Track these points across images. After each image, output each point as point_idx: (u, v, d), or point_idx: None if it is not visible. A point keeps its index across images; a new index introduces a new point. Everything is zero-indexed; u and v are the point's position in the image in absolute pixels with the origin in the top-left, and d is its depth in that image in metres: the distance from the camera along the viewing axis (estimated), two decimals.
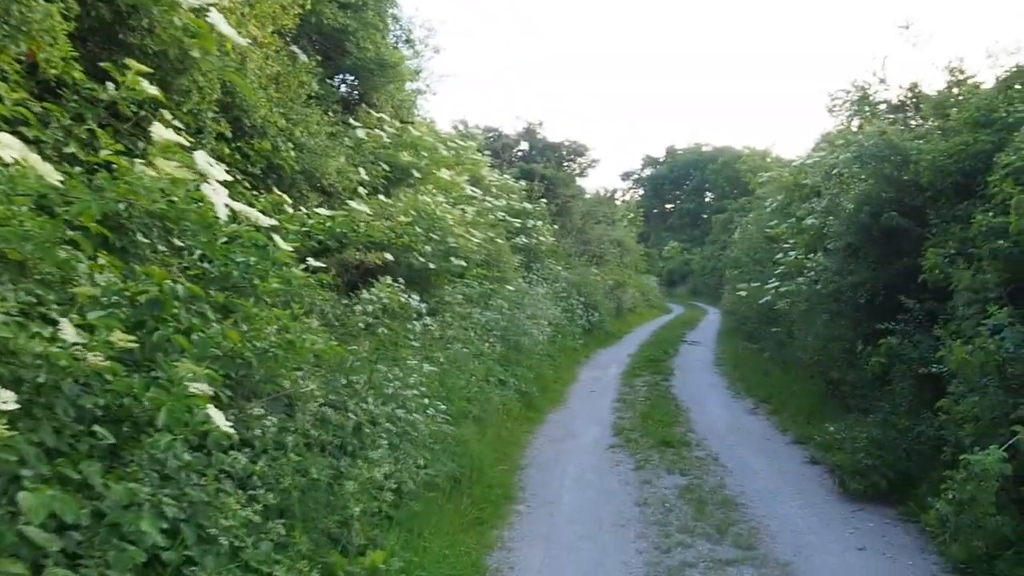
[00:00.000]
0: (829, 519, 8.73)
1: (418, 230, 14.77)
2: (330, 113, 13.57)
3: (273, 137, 10.41)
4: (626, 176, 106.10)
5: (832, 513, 8.94)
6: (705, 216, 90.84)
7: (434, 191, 16.90)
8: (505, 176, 27.83)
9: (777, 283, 18.72)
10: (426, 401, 8.57)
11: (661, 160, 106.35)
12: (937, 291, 10.47)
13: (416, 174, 15.82)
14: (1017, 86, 11.67)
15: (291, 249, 6.97)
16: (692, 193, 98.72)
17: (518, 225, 25.18)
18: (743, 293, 20.04)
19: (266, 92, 10.25)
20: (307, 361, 6.80)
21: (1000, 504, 6.09)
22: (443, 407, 9.08)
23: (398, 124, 15.53)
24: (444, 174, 17.73)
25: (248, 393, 6.55)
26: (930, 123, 15.04)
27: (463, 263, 16.11)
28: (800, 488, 9.94)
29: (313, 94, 12.32)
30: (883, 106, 19.45)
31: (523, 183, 28.09)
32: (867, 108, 19.25)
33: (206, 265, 6.71)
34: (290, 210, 9.22)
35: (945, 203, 11.20)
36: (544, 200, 28.65)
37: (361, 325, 8.91)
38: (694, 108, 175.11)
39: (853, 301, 12.70)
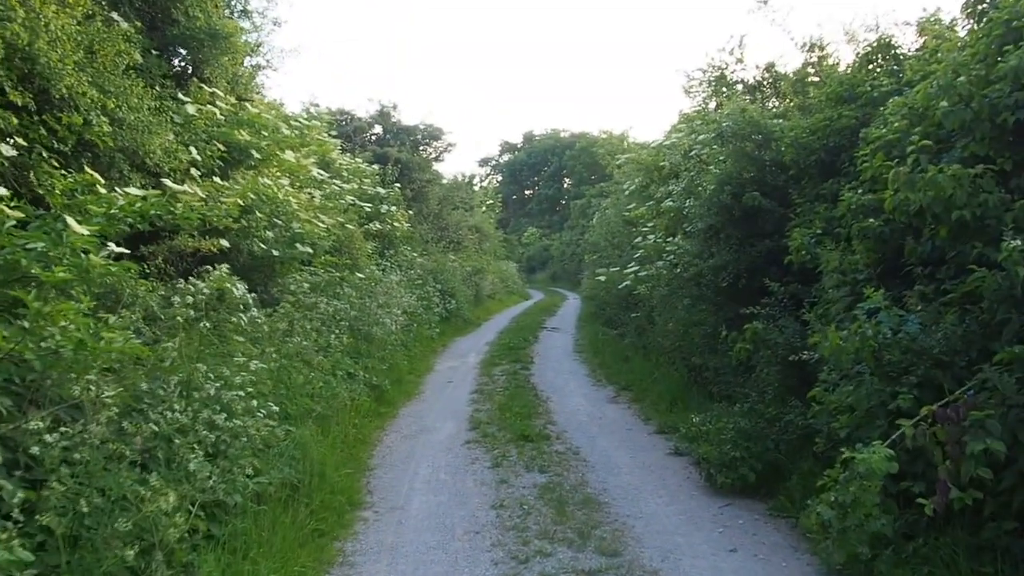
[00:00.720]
0: (697, 517, 8.18)
1: (259, 215, 13.77)
2: (157, 87, 12.38)
3: (85, 110, 9.28)
4: (484, 162, 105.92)
5: (699, 510, 8.39)
6: (564, 202, 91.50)
7: (277, 174, 15.87)
8: (357, 160, 26.77)
9: (636, 267, 18.35)
10: (254, 403, 7.62)
11: (519, 146, 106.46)
12: (802, 273, 10.10)
13: (256, 155, 14.71)
14: (880, 60, 11.41)
15: (87, 233, 5.95)
16: (550, 179, 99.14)
17: (370, 210, 24.23)
18: (602, 278, 19.62)
19: (74, 59, 9.08)
20: (106, 363, 5.82)
21: (881, 503, 5.59)
22: (275, 408, 8.12)
23: (233, 100, 14.39)
24: (289, 156, 16.67)
25: (39, 402, 5.57)
26: (788, 102, 14.80)
27: (309, 250, 15.18)
28: (665, 482, 9.39)
29: (134, 65, 11.13)
30: (740, 86, 19.27)
31: (376, 167, 27.07)
32: (724, 88, 19.01)
33: None
34: (103, 191, 8.13)
35: (808, 182, 10.85)
36: (398, 185, 27.68)
37: (179, 319, 7.88)
38: (552, 94, 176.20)
39: (714, 285, 12.30)
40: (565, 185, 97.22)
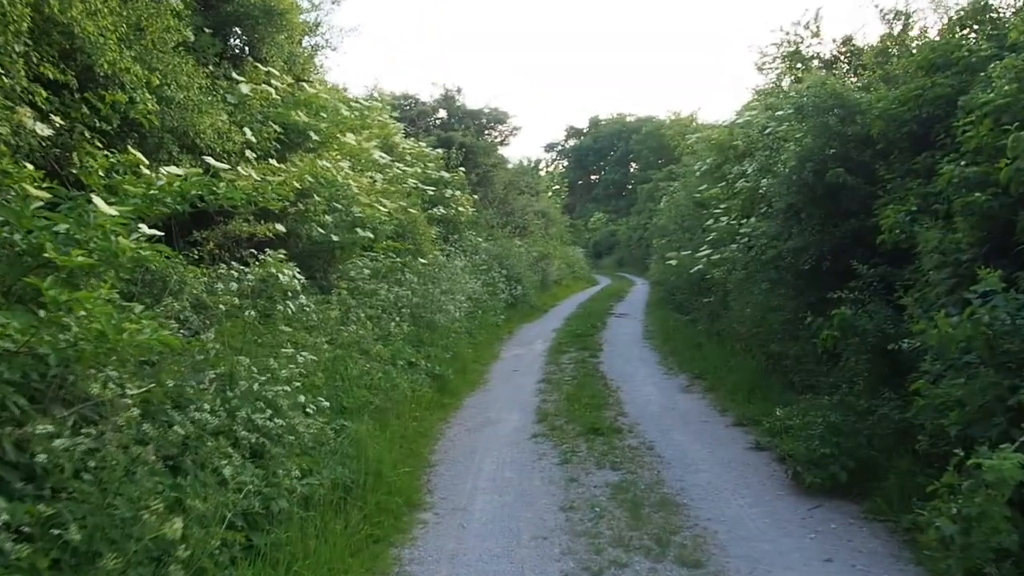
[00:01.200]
0: (784, 520, 7.50)
1: (317, 198, 13.36)
2: (210, 67, 11.99)
3: (130, 88, 8.86)
4: (550, 147, 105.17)
5: (787, 512, 7.71)
6: (630, 186, 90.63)
7: (337, 157, 15.44)
8: (420, 144, 26.32)
9: (709, 251, 17.61)
10: (302, 398, 7.10)
11: (584, 131, 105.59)
12: (892, 255, 9.36)
13: (315, 137, 14.29)
14: (975, 24, 10.56)
15: (116, 213, 5.47)
16: (616, 164, 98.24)
17: (434, 194, 23.78)
18: (673, 262, 18.91)
19: (116, 34, 8.66)
20: (136, 355, 5.34)
21: (1011, 516, 4.88)
22: (326, 403, 7.61)
23: (290, 81, 13.95)
24: (349, 138, 16.25)
25: (66, 400, 5.12)
26: (871, 74, 13.93)
27: (371, 235, 14.75)
28: (747, 481, 8.71)
29: (185, 43, 10.72)
30: (815, 61, 18.40)
31: (440, 151, 26.60)
32: (800, 63, 18.17)
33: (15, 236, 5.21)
34: (147, 172, 7.68)
35: (898, 156, 10.06)
36: (463, 169, 27.19)
37: (222, 307, 7.40)
38: (617, 79, 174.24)
39: (795, 268, 11.56)
40: (631, 170, 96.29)
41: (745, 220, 16.90)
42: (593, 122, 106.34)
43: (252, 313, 7.90)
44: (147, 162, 7.62)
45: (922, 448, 6.65)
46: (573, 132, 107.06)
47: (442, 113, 36.32)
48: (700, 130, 30.87)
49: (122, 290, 6.29)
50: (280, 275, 8.63)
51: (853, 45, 17.08)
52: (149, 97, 8.92)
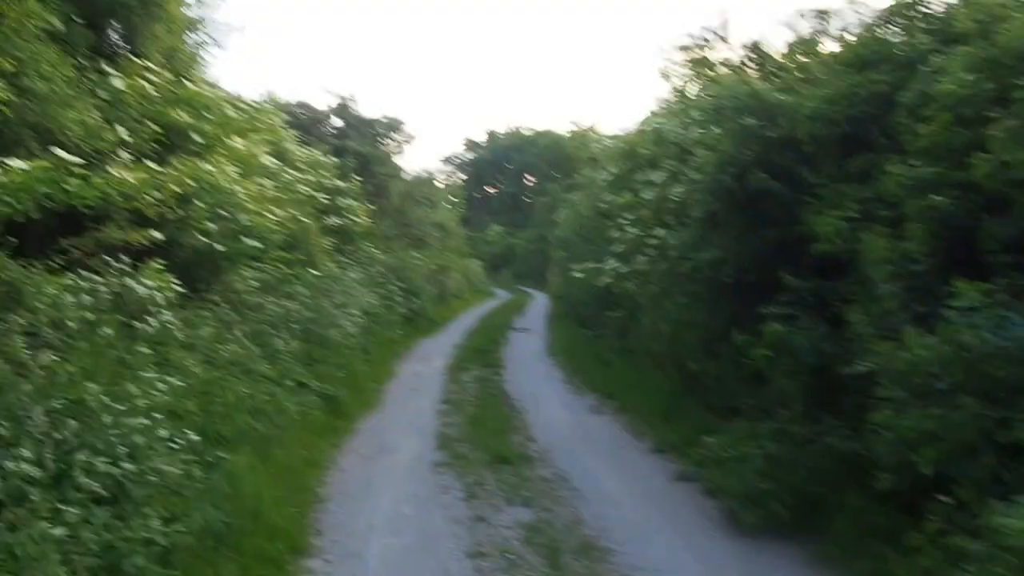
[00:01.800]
0: (724, 567, 6.69)
1: (199, 204, 12.18)
2: (80, 60, 10.70)
3: None
4: (447, 160, 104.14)
5: (724, 557, 6.90)
6: (527, 199, 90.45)
7: (224, 161, 14.23)
8: (315, 151, 25.10)
9: (616, 263, 16.84)
10: (163, 431, 5.94)
11: (482, 144, 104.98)
12: (823, 266, 8.67)
13: (198, 139, 13.10)
14: (901, 20, 9.96)
15: None
16: (514, 177, 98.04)
17: (328, 203, 22.62)
18: (579, 274, 18.10)
19: None
20: None
21: None
22: (194, 436, 6.47)
23: (170, 77, 12.72)
24: (237, 143, 15.04)
25: None
26: (785, 76, 13.30)
27: (258, 245, 13.58)
28: (675, 518, 7.89)
29: (52, 32, 9.47)
30: (723, 67, 17.83)
31: (334, 159, 25.41)
32: (707, 69, 17.56)
33: None
34: None
35: (828, 159, 9.36)
36: (358, 178, 26.03)
37: (71, 324, 6.20)
38: (515, 90, 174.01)
39: (713, 280, 10.82)
40: (528, 183, 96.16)
41: (653, 230, 16.24)
42: (491, 135, 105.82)
43: (108, 331, 6.64)
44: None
45: (883, 487, 5.83)
46: (471, 145, 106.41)
47: (337, 122, 34.97)
48: (602, 140, 30.40)
49: None
50: (137, 286, 7.39)
51: (760, 50, 16.53)
52: (2, 85, 7.68)
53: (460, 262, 44.02)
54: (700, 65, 18.48)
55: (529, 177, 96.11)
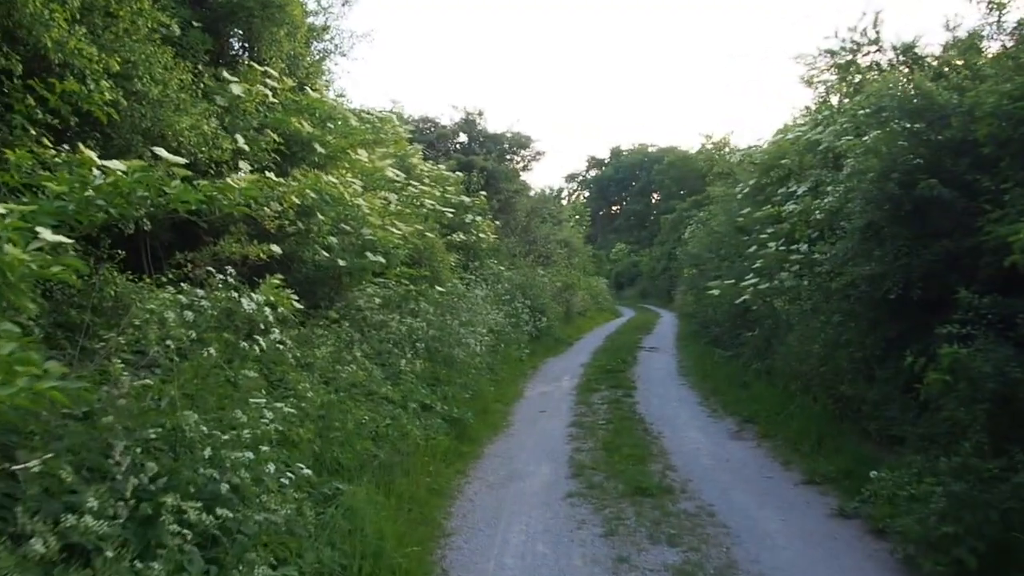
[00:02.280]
0: None
1: (321, 217, 11.86)
2: (198, 66, 10.45)
3: (89, 78, 7.33)
4: (571, 178, 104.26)
5: None
6: (652, 217, 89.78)
7: (347, 174, 13.95)
8: (440, 166, 24.82)
9: (755, 279, 15.93)
10: (271, 467, 5.37)
11: (606, 161, 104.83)
12: (1002, 281, 7.73)
13: (320, 150, 12.79)
14: None
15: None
16: (638, 194, 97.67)
17: (453, 218, 22.26)
18: (715, 292, 17.20)
19: (71, 10, 7.14)
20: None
21: None
22: (306, 470, 5.91)
23: (291, 84, 12.42)
24: (361, 155, 14.73)
25: None
26: (958, 73, 12.26)
27: (382, 260, 13.17)
28: (841, 563, 6.96)
29: (164, 30, 9.20)
30: (873, 72, 16.78)
31: (460, 174, 25.08)
32: (856, 74, 16.56)
33: None
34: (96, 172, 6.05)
35: (1012, 162, 8.37)
36: (484, 193, 25.65)
37: (171, 344, 5.71)
38: (640, 107, 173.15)
39: (873, 297, 9.88)
40: (653, 200, 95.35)
41: (796, 245, 15.32)
42: (615, 152, 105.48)
43: (211, 351, 6.14)
44: (98, 161, 6.03)
45: None
46: (594, 162, 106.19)
47: (463, 137, 34.79)
48: (735, 153, 29.35)
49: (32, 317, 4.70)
50: (244, 302, 6.88)
51: (914, 53, 15.47)
52: (107, 85, 7.36)
53: (585, 280, 43.33)
54: (847, 70, 17.50)
55: (654, 195, 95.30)
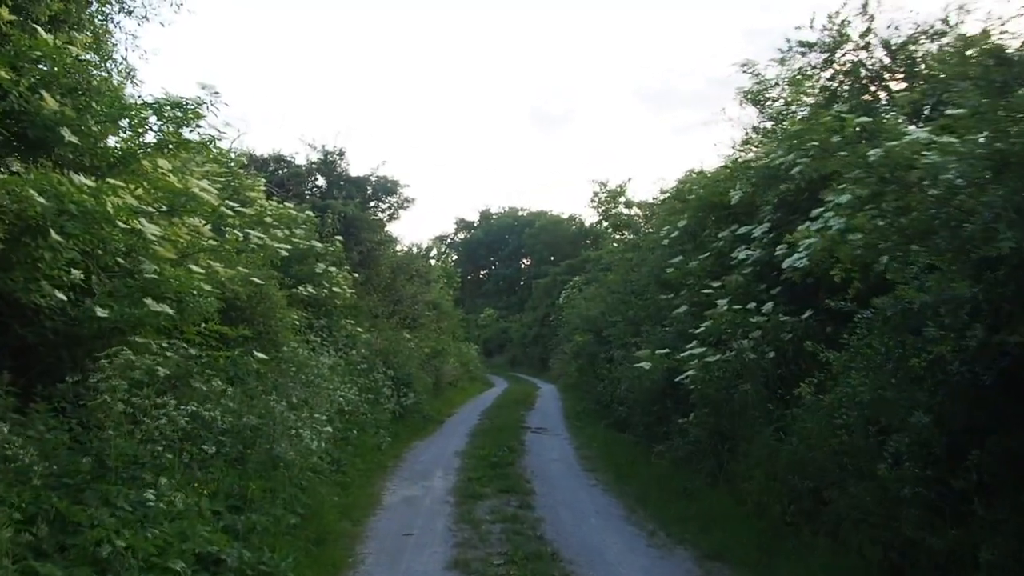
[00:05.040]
0: None
1: (56, 237, 7.18)
2: None
3: None
4: (440, 240, 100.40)
5: None
6: (522, 282, 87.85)
7: (137, 188, 9.40)
8: (286, 204, 20.14)
9: (701, 349, 11.82)
10: None
11: (475, 224, 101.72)
12: None
13: (70, 138, 8.15)
14: None
15: None
16: (508, 258, 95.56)
17: (300, 269, 17.65)
18: (645, 365, 12.88)
19: None
20: None
21: None
22: None
23: (8, 17, 7.70)
24: (163, 165, 10.13)
25: None
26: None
27: (168, 311, 8.57)
28: None
29: None
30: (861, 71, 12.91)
31: (311, 213, 20.44)
32: (842, 76, 12.70)
33: None
34: None
35: None
36: (340, 238, 21.04)
37: None
38: (509, 169, 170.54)
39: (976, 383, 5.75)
40: (523, 264, 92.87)
41: (750, 305, 11.38)
42: (484, 215, 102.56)
43: None
44: None
45: None
46: (463, 225, 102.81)
47: (320, 181, 30.07)
48: (631, 203, 25.61)
49: None
50: None
51: (908, 51, 11.74)
52: None
53: (456, 346, 38.91)
54: (798, 82, 13.71)
55: (524, 259, 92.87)
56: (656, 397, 14.71)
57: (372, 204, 31.12)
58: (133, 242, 8.90)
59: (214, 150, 11.56)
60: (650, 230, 19.76)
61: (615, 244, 27.40)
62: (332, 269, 19.52)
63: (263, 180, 18.86)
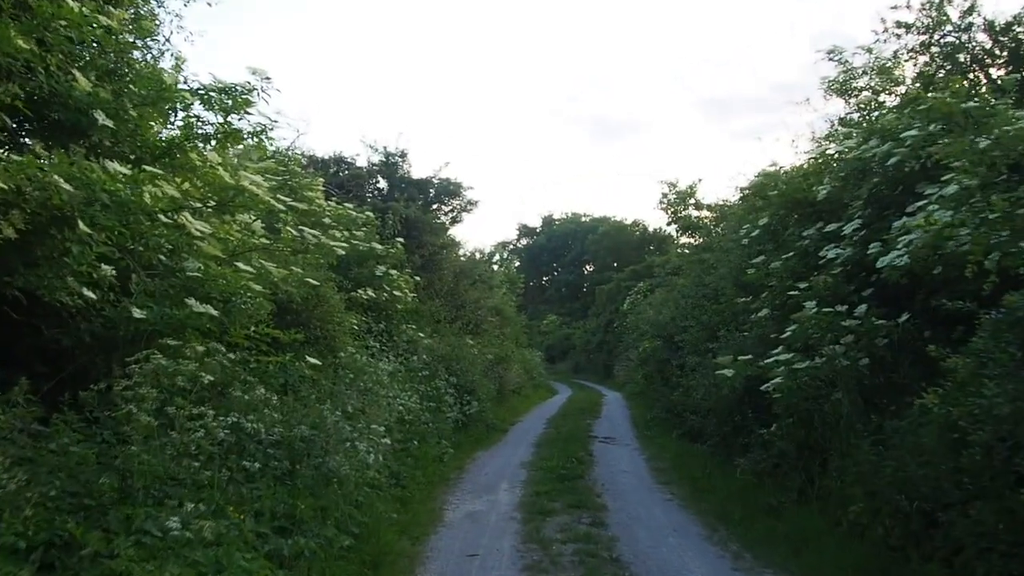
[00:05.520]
0: None
1: (82, 229, 6.53)
2: None
3: None
4: (502, 246, 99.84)
5: None
6: (585, 288, 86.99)
7: (180, 180, 8.80)
8: (346, 205, 19.54)
9: (788, 356, 10.90)
10: None
11: (538, 230, 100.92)
12: None
13: (105, 121, 7.50)
14: None
15: None
16: (571, 264, 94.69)
17: (360, 272, 17.02)
18: (727, 372, 11.91)
19: None
20: None
21: None
22: None
23: None
24: (212, 158, 9.54)
25: None
26: None
27: (212, 312, 7.92)
28: None
29: None
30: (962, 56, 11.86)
31: (371, 214, 19.80)
32: (937, 61, 11.68)
33: None
34: None
35: None
36: (401, 241, 20.35)
37: None
38: (572, 176, 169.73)
39: None
40: (586, 271, 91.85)
41: (840, 307, 10.47)
42: (546, 221, 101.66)
43: None
44: None
45: None
46: (526, 231, 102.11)
47: (382, 183, 29.48)
48: (701, 205, 24.59)
49: None
50: None
51: (1014, 33, 10.70)
52: None
53: (520, 352, 38.08)
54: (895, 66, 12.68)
55: (587, 265, 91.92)
56: (734, 406, 13.77)
57: (434, 207, 30.50)
58: (176, 238, 8.28)
59: (268, 144, 10.84)
60: (722, 231, 18.72)
61: (683, 248, 26.37)
62: (393, 272, 18.85)
63: (321, 180, 18.21)
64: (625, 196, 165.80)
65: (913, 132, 10.15)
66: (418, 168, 36.69)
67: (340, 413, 9.60)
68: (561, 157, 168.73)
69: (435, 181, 30.24)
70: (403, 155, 29.25)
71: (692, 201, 24.78)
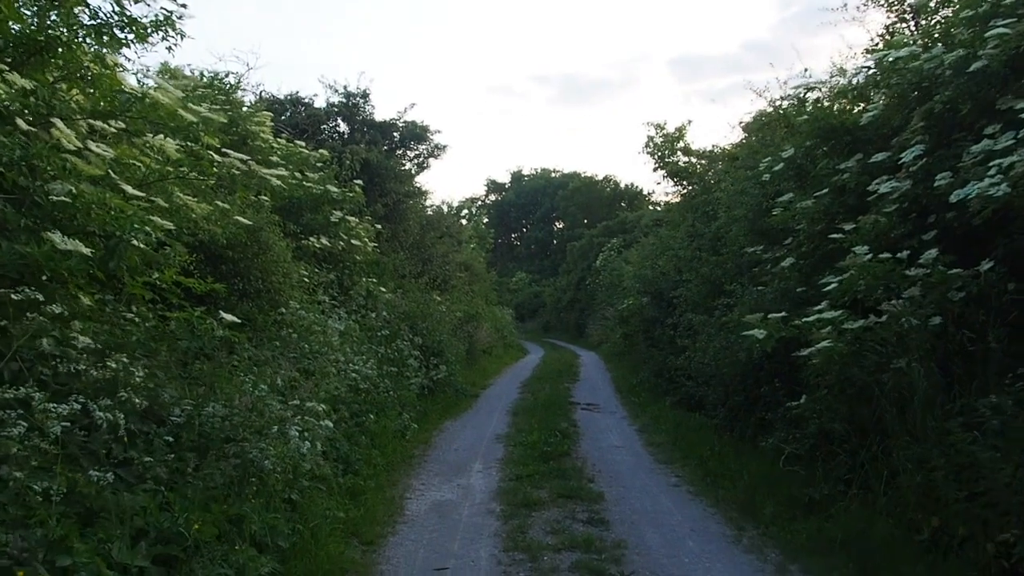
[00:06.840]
0: None
1: None
2: None
3: None
4: (471, 201, 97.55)
5: None
6: (555, 244, 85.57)
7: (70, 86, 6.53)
8: (297, 142, 17.20)
9: (835, 314, 8.74)
10: None
11: (506, 186, 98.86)
12: None
13: None
14: None
15: None
16: (540, 221, 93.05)
17: (313, 218, 14.77)
18: (757, 333, 9.67)
19: None
20: None
21: None
22: None
23: None
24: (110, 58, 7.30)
25: None
26: None
27: (84, 250, 5.60)
28: None
29: None
30: None
31: (324, 152, 17.45)
32: None
33: None
34: None
35: None
36: (360, 185, 17.98)
37: None
38: (543, 130, 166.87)
39: None
40: (556, 228, 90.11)
41: (901, 254, 8.34)
42: (516, 176, 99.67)
43: None
44: None
45: None
46: (494, 187, 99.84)
47: (342, 126, 26.97)
48: (690, 151, 22.37)
49: None
50: None
51: None
52: None
53: (490, 310, 35.90)
54: None
55: (557, 222, 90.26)
56: (750, 373, 11.63)
57: (399, 152, 28.05)
58: (38, 150, 5.97)
59: (172, 36, 8.43)
60: (726, 171, 16.49)
61: (670, 196, 24.24)
62: (351, 219, 16.55)
63: (269, 115, 15.83)
64: (596, 153, 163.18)
65: (1001, 29, 7.97)
66: (382, 112, 34.09)
67: (266, 387, 7.33)
68: (531, 116, 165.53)
69: (400, 124, 27.75)
70: (365, 95, 26.72)
71: (680, 145, 22.58)
